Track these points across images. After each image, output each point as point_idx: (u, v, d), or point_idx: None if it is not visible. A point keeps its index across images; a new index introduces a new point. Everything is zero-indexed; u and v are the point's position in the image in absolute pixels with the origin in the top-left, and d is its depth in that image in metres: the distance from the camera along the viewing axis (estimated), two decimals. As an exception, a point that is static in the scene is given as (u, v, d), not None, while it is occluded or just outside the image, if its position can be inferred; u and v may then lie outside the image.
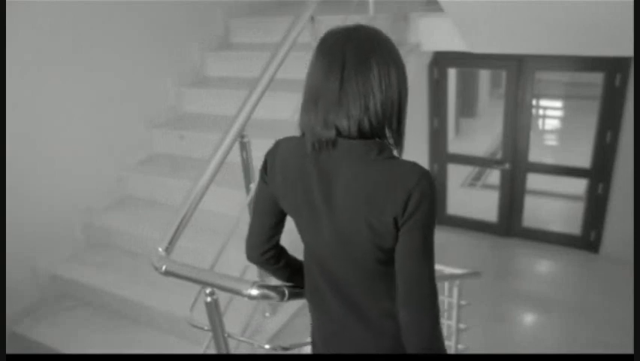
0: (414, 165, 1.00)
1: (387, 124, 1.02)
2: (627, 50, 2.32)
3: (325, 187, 1.04)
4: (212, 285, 1.41)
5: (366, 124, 0.99)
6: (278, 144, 1.15)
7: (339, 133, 1.00)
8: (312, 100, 1.03)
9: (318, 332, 1.28)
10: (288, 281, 1.36)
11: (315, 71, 1.04)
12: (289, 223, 1.20)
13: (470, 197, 6.39)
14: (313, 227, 1.10)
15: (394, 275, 1.02)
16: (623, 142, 4.68)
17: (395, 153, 1.04)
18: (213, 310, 1.46)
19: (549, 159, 6.96)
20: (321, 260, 1.14)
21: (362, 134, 1.00)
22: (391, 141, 1.04)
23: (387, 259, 1.03)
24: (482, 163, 6.41)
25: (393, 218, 0.97)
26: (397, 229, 0.98)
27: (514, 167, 5.27)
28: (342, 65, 0.99)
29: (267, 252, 1.25)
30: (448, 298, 3.37)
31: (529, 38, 2.67)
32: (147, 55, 2.94)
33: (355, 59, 0.99)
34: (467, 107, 8.36)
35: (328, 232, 1.07)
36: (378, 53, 1.02)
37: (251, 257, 1.30)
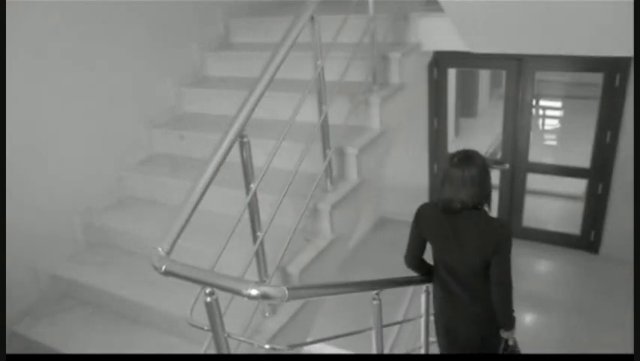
0: (499, 221, 2.21)
1: (484, 198, 2.05)
2: (627, 50, 2.32)
3: (455, 233, 2.05)
4: (212, 285, 1.41)
5: (476, 199, 2.00)
6: (424, 207, 2.18)
7: (462, 205, 1.99)
8: (448, 188, 2.01)
9: (440, 308, 2.26)
10: (423, 275, 2.31)
11: (450, 172, 2.01)
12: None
13: (470, 197, 6.39)
14: (446, 250, 2.11)
15: (488, 272, 2.04)
16: (623, 142, 4.68)
17: (487, 208, 2.08)
18: (213, 310, 1.46)
19: (549, 159, 6.96)
20: (447, 265, 2.14)
21: (473, 205, 2.00)
22: (485, 204, 2.07)
23: (485, 266, 2.03)
24: (482, 163, 6.40)
25: (493, 248, 1.99)
26: (494, 252, 1.99)
27: (514, 167, 5.27)
28: (463, 170, 1.98)
29: (416, 262, 2.26)
30: (448, 298, 3.37)
31: (529, 38, 2.67)
32: (147, 55, 2.94)
33: (470, 167, 1.99)
34: (467, 107, 8.35)
35: (455, 253, 2.08)
36: (480, 164, 2.01)
37: (408, 265, 2.29)
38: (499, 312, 2.10)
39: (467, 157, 2.01)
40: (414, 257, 2.24)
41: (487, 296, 2.08)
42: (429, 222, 2.13)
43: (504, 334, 2.18)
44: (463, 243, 2.04)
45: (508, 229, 2.07)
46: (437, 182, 2.26)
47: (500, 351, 2.27)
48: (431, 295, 2.36)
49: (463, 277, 2.12)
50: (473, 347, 2.21)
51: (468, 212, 2.00)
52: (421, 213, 2.16)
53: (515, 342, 2.29)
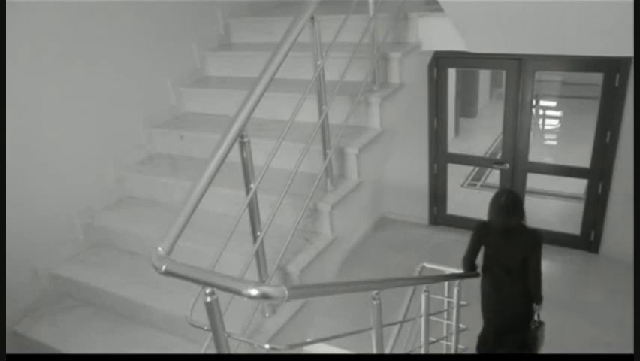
0: (534, 231, 3.14)
1: (523, 219, 3.10)
2: (627, 50, 2.32)
3: (506, 243, 3.14)
4: (212, 285, 1.41)
5: (518, 221, 3.08)
6: (483, 226, 3.21)
7: (511, 225, 3.06)
8: (499, 217, 3.08)
9: (490, 291, 3.29)
10: (469, 270, 3.28)
11: (499, 207, 3.06)
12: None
13: (470, 197, 6.40)
14: (499, 253, 3.19)
15: (525, 266, 3.09)
16: (623, 142, 4.69)
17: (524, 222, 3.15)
18: (213, 310, 1.46)
19: (549, 159, 6.97)
20: (499, 262, 3.18)
21: (517, 224, 3.08)
22: (524, 220, 3.14)
23: (525, 262, 3.09)
24: (482, 163, 6.41)
25: (530, 250, 3.08)
26: (531, 252, 3.07)
27: (514, 167, 5.27)
28: (507, 205, 3.04)
29: (473, 263, 3.28)
30: (448, 298, 3.37)
31: (529, 38, 2.67)
32: (147, 55, 2.94)
33: (512, 201, 3.07)
34: (467, 107, 8.36)
35: (505, 254, 3.16)
36: (517, 198, 3.13)
37: (465, 267, 3.28)
38: (533, 292, 3.13)
39: (508, 196, 3.08)
40: (470, 258, 3.26)
41: (524, 281, 3.11)
42: (488, 237, 3.19)
43: (535, 307, 3.20)
44: (510, 248, 3.11)
45: (541, 237, 3.09)
46: (487, 209, 3.20)
47: (533, 320, 3.25)
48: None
49: (509, 270, 3.15)
50: (516, 317, 3.24)
51: (517, 232, 3.07)
52: (482, 230, 3.22)
53: (541, 327, 3.27)
